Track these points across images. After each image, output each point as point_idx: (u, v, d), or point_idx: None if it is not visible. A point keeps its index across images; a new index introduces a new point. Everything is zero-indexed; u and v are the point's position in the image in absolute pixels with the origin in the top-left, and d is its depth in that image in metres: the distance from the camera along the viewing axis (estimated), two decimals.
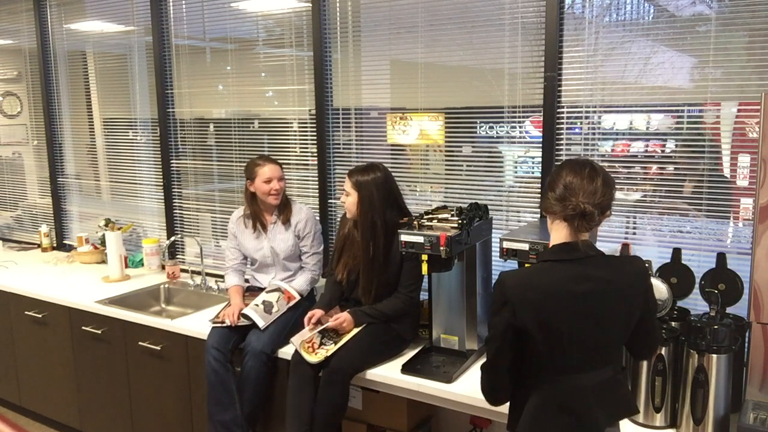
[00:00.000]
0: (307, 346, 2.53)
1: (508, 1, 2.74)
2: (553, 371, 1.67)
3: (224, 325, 2.78)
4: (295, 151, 3.47)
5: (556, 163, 2.67)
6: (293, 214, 3.01)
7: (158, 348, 3.04)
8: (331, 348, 2.50)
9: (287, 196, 3.07)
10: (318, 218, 3.33)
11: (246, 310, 2.79)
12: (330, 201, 3.36)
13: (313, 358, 2.47)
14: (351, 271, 2.68)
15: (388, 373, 2.46)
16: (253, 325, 2.75)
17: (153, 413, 3.18)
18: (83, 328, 3.31)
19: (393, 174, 2.68)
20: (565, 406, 1.68)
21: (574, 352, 1.66)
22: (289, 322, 2.80)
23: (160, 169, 3.97)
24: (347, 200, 2.61)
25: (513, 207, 2.89)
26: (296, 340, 2.56)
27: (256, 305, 2.81)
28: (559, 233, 1.68)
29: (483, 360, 1.79)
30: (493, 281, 2.71)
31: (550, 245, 1.70)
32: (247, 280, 3.16)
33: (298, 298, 2.91)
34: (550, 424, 1.68)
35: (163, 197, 4.00)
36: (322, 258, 3.09)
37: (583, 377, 1.68)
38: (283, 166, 3.04)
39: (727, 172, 2.43)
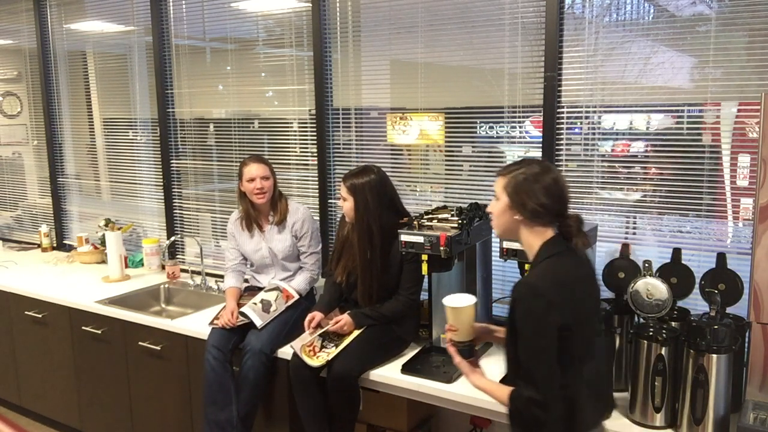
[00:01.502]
0: (308, 350, 2.52)
1: (508, 1, 2.74)
2: (580, 361, 1.66)
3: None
4: (295, 151, 3.47)
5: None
6: (289, 213, 3.00)
7: (158, 348, 3.04)
8: (332, 351, 2.50)
9: (282, 194, 3.05)
10: (318, 217, 3.34)
11: (244, 309, 2.79)
12: (330, 201, 3.36)
13: (314, 362, 2.47)
14: (351, 273, 2.67)
15: (388, 373, 2.46)
16: (253, 325, 2.75)
17: (153, 413, 3.18)
18: (83, 328, 3.31)
19: (393, 174, 2.68)
20: (597, 392, 1.69)
21: (591, 336, 1.69)
22: (289, 322, 2.80)
23: (160, 169, 3.97)
24: (345, 205, 2.59)
25: None
26: (296, 344, 2.55)
27: (255, 304, 2.81)
28: (544, 234, 1.69)
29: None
30: (493, 281, 2.72)
31: (538, 246, 1.69)
32: (246, 281, 3.16)
33: (296, 297, 2.91)
34: (592, 414, 1.68)
35: (163, 197, 4.00)
36: (321, 257, 3.08)
37: (598, 362, 1.72)
38: (283, 166, 3.04)
39: (726, 172, 2.43)
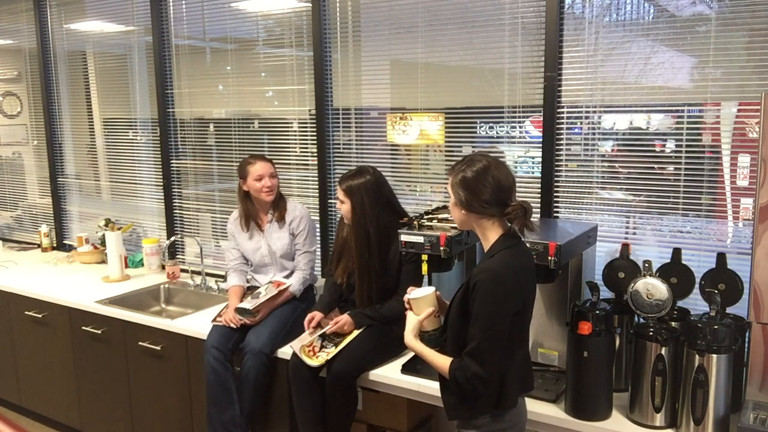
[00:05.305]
0: (307, 350, 2.52)
1: (508, 1, 2.74)
2: (517, 345, 1.81)
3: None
4: (295, 151, 3.47)
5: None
6: (288, 211, 3.00)
7: (158, 348, 3.04)
8: (332, 351, 2.50)
9: (281, 193, 3.06)
10: (318, 217, 3.34)
11: (238, 306, 2.82)
12: (330, 201, 3.36)
13: (313, 362, 2.47)
14: (351, 274, 2.67)
15: (388, 373, 2.46)
16: (252, 325, 2.76)
17: (153, 413, 3.18)
18: (83, 328, 3.31)
19: (393, 174, 2.68)
20: (524, 379, 1.86)
21: (528, 323, 1.85)
22: (288, 322, 2.80)
23: (160, 169, 3.97)
24: (342, 207, 2.59)
25: None
26: (296, 344, 2.55)
27: (246, 299, 2.88)
28: (495, 226, 1.81)
29: None
30: None
31: (495, 238, 1.80)
32: (248, 280, 3.16)
33: (287, 284, 2.91)
34: (514, 399, 1.83)
35: (163, 197, 4.00)
36: (315, 258, 3.07)
37: (526, 346, 1.88)
38: (283, 166, 3.04)
39: (726, 172, 2.43)
